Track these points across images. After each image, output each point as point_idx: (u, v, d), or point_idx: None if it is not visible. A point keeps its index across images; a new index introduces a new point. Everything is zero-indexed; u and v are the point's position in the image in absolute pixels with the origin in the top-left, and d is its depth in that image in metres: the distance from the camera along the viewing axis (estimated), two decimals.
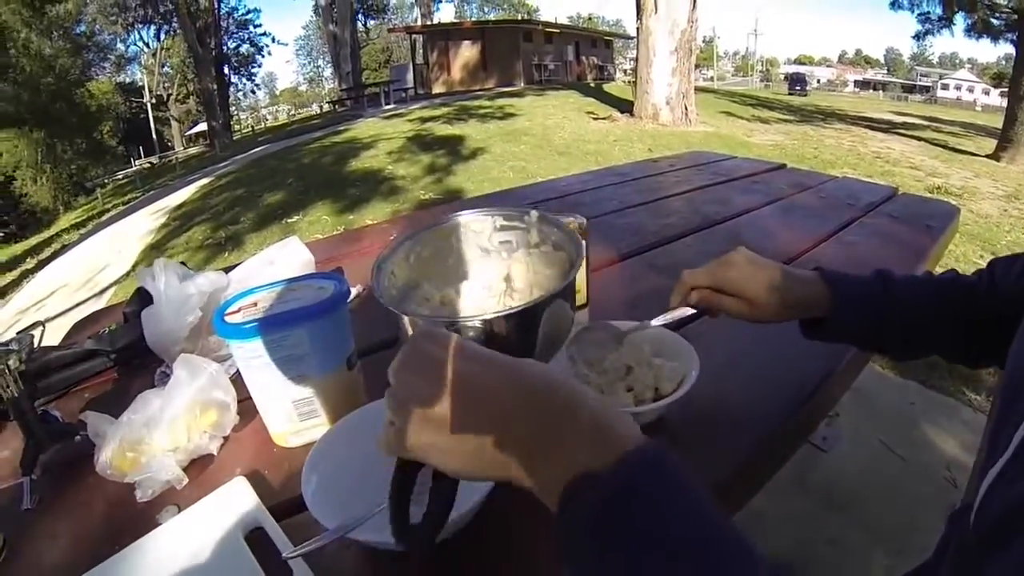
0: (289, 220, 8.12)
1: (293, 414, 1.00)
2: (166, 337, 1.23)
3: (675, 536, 0.44)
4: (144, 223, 10.79)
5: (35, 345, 1.18)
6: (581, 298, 1.24)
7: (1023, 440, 0.54)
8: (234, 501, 0.88)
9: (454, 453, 0.53)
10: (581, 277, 1.22)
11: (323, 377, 0.99)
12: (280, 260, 1.46)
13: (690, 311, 1.03)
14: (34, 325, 1.20)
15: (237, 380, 1.04)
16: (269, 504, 0.87)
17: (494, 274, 1.10)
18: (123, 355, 1.37)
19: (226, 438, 1.06)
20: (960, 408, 2.85)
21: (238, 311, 0.97)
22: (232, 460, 1.02)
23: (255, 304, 0.99)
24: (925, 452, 2.55)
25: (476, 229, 1.09)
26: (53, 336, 1.41)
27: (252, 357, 0.95)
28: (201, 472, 1.00)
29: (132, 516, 0.92)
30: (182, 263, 1.33)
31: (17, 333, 1.16)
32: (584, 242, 1.10)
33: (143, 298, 1.39)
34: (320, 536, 0.70)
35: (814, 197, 2.29)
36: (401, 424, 0.54)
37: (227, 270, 1.41)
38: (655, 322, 1.06)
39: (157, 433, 0.98)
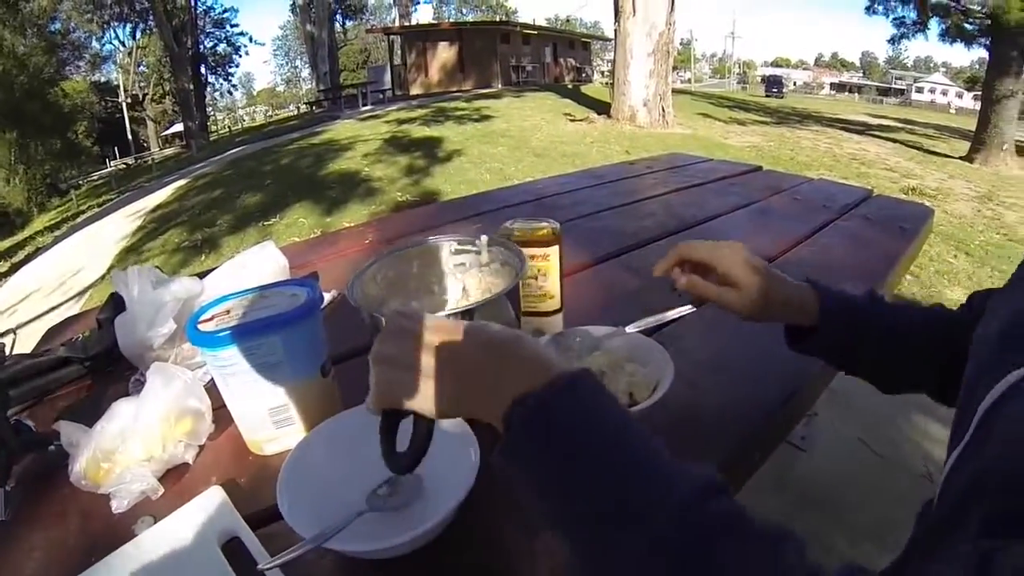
0: (267, 222, 8.07)
1: (268, 422, 0.99)
2: (140, 345, 1.22)
3: (595, 437, 0.55)
4: (120, 225, 10.71)
5: (6, 353, 1.16)
6: (555, 303, 1.25)
7: (979, 421, 0.57)
8: (210, 510, 0.87)
9: (426, 397, 0.63)
10: (554, 282, 1.22)
11: (297, 384, 0.99)
12: (254, 265, 1.45)
13: (667, 317, 1.04)
14: (4, 333, 1.19)
15: (212, 388, 1.03)
16: (245, 513, 0.86)
17: (452, 289, 1.22)
18: (97, 362, 1.35)
19: (201, 447, 1.05)
20: (936, 406, 2.84)
21: (211, 319, 0.97)
22: (208, 469, 1.01)
23: (228, 312, 0.99)
24: (902, 449, 2.58)
25: (434, 253, 1.21)
26: (26, 342, 1.39)
27: (226, 365, 0.94)
28: (177, 481, 0.99)
29: (108, 527, 0.91)
30: (157, 267, 1.33)
31: None
32: (558, 247, 1.17)
33: (117, 304, 1.38)
34: (296, 546, 0.70)
35: (790, 199, 2.31)
36: (381, 379, 0.66)
37: (201, 275, 1.39)
38: (630, 328, 1.06)
39: (131, 443, 0.97)
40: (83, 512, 0.95)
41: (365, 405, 0.69)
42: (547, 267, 1.21)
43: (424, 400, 0.64)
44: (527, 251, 1.14)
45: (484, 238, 1.17)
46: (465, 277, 1.20)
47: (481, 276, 1.18)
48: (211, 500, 0.89)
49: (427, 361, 0.64)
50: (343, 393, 1.07)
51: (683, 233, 1.92)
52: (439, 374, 0.63)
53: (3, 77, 23.45)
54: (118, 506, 0.92)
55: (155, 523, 0.88)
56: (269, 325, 0.94)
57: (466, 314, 0.93)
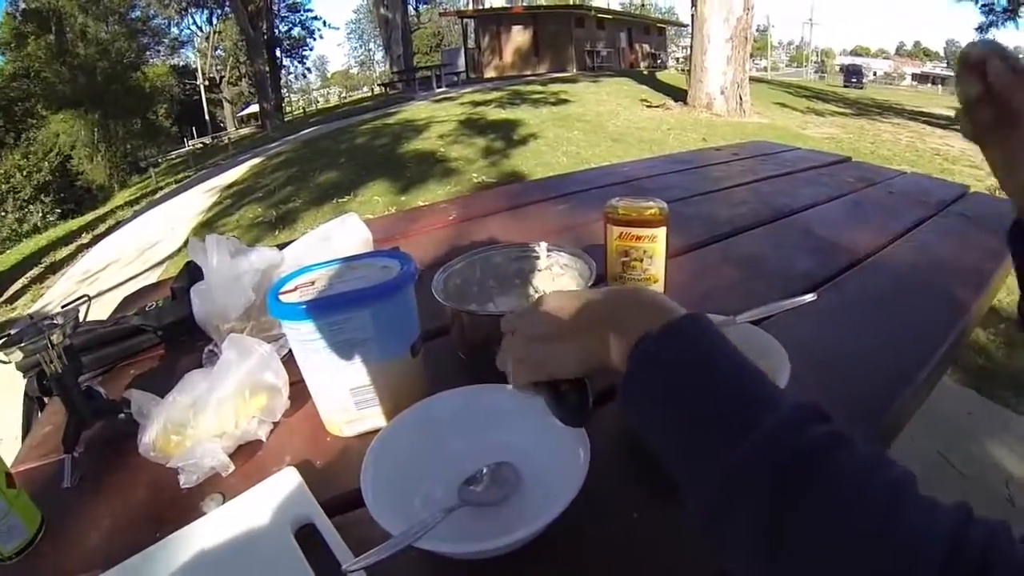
0: (341, 200, 8.10)
1: (349, 402, 0.93)
2: (215, 315, 1.18)
3: (709, 366, 0.57)
4: (196, 201, 10.90)
5: (80, 319, 1.13)
6: (658, 288, 1.17)
7: None
8: (283, 493, 0.82)
9: (567, 356, 0.69)
10: (659, 266, 1.16)
11: (385, 364, 0.92)
12: (337, 237, 1.39)
13: (781, 306, 0.95)
14: (79, 300, 1.15)
15: (289, 362, 0.98)
16: (320, 498, 0.80)
17: (521, 290, 1.24)
18: (170, 332, 1.33)
19: (275, 424, 0.99)
20: (1014, 419, 2.74)
21: (294, 290, 0.91)
22: (281, 448, 0.96)
23: (312, 283, 0.92)
24: (984, 467, 2.44)
25: (495, 261, 1.24)
26: (103, 310, 1.37)
27: (308, 340, 0.88)
28: (248, 459, 0.94)
29: (175, 502, 0.87)
30: (233, 236, 1.28)
31: (63, 307, 1.11)
32: (665, 229, 1.12)
33: (192, 274, 1.36)
34: (385, 545, 0.63)
35: (884, 193, 2.18)
36: (530, 357, 0.71)
37: (281, 247, 1.35)
38: (741, 318, 0.98)
39: (203, 416, 0.92)
40: (150, 484, 0.91)
41: (511, 385, 0.73)
42: (653, 249, 1.14)
43: (572, 363, 0.69)
44: (632, 231, 1.12)
45: (543, 244, 1.21)
46: (532, 279, 1.23)
47: (550, 277, 1.21)
48: (285, 482, 0.83)
49: (565, 327, 0.69)
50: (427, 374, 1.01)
51: (779, 223, 1.82)
52: (579, 334, 0.68)
53: (86, 63, 24.43)
54: (186, 481, 0.88)
55: (224, 501, 0.84)
56: (359, 298, 0.87)
57: None
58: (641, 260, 1.15)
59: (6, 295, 8.70)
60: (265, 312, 1.18)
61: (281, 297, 0.89)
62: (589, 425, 0.75)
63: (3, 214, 18.43)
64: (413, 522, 0.67)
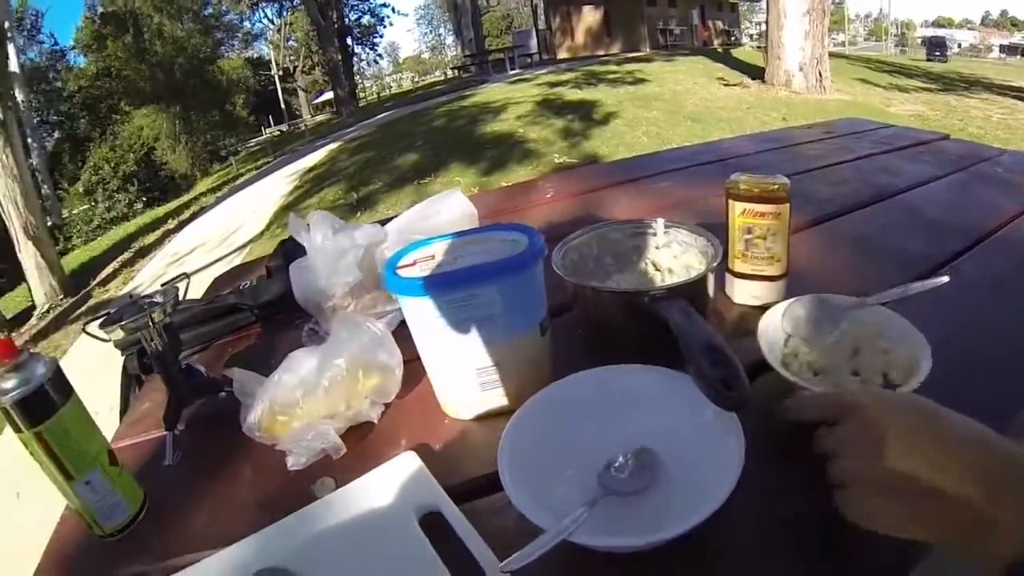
0: (422, 181, 8.16)
1: (473, 383, 0.87)
2: (318, 293, 1.14)
3: None
4: (277, 186, 11.13)
5: (180, 298, 1.10)
6: (780, 267, 1.09)
7: None
8: (404, 479, 0.77)
9: (914, 518, 0.54)
10: (783, 244, 1.08)
11: (512, 342, 0.86)
12: (440, 212, 1.34)
13: (913, 289, 0.87)
14: (179, 277, 1.13)
15: (400, 338, 0.93)
16: (442, 485, 0.75)
17: (642, 267, 1.16)
18: (266, 310, 1.31)
19: (387, 405, 0.94)
20: None
21: (413, 264, 0.86)
22: (395, 430, 0.91)
23: (432, 257, 0.88)
24: None
25: (612, 237, 1.16)
26: (192, 291, 1.36)
27: (430, 317, 0.82)
28: (359, 442, 0.89)
29: (282, 484, 0.84)
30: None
31: (162, 285, 1.08)
32: (789, 205, 1.04)
33: (288, 252, 1.34)
34: (540, 541, 0.58)
35: (990, 171, 2.04)
36: (861, 496, 0.58)
37: (383, 223, 1.30)
38: (873, 300, 0.90)
39: (313, 397, 0.88)
40: (255, 465, 0.89)
41: (844, 509, 0.60)
42: (777, 227, 1.06)
43: (902, 520, 0.56)
44: (756, 207, 1.05)
45: (661, 221, 1.14)
46: (650, 256, 1.16)
47: (670, 255, 1.14)
48: (405, 467, 0.78)
49: (921, 471, 0.54)
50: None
51: (884, 203, 1.70)
52: (930, 491, 0.53)
53: (164, 60, 25.25)
54: (294, 463, 0.84)
55: (336, 486, 0.79)
56: (487, 272, 0.81)
57: (678, 289, 0.93)
58: (764, 238, 1.07)
59: (99, 278, 8.98)
60: (368, 290, 1.13)
61: (399, 271, 0.84)
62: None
63: (94, 204, 19.07)
64: (554, 510, 0.61)
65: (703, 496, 0.61)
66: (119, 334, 1.01)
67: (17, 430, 0.73)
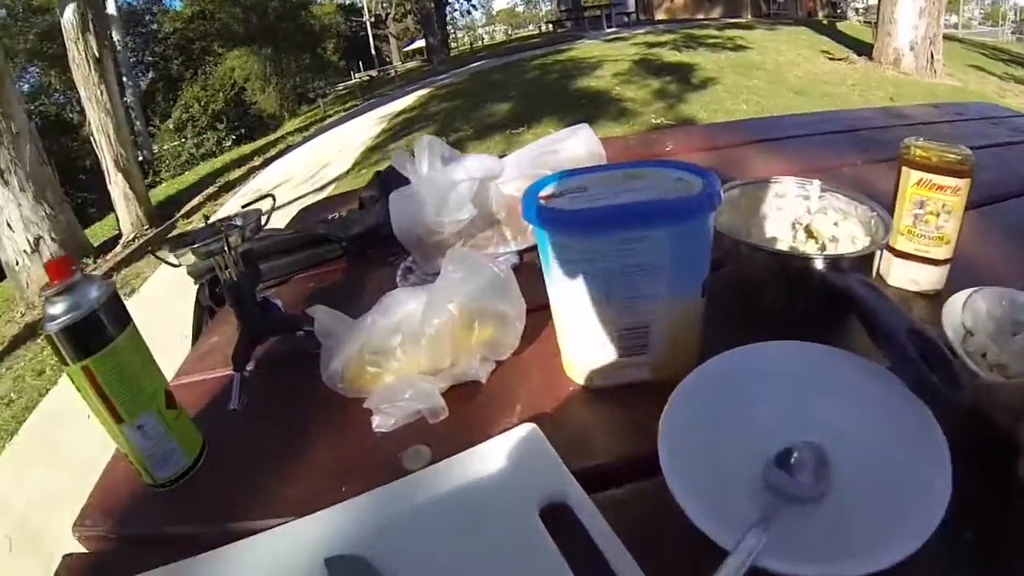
0: (514, 132, 8.07)
1: (614, 347, 0.73)
2: (424, 228, 1.02)
3: None
4: (365, 127, 11.14)
5: (262, 222, 0.99)
6: (947, 251, 0.94)
7: None
8: (522, 457, 0.64)
9: None
10: (955, 225, 0.93)
11: (673, 302, 0.71)
12: (566, 149, 1.19)
13: None
14: (263, 197, 1.01)
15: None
16: (570, 467, 0.62)
17: (784, 231, 1.01)
18: (356, 244, 1.22)
19: (499, 363, 0.82)
20: None
21: (560, 194, 0.71)
22: (509, 394, 0.78)
23: (585, 189, 0.72)
24: None
25: (760, 195, 1.02)
26: (276, 223, 1.28)
27: (580, 261, 0.68)
28: (463, 405, 0.76)
29: (364, 448, 0.73)
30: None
31: (243, 207, 0.97)
32: (970, 181, 0.90)
33: (385, 183, 1.24)
34: (731, 565, 0.45)
35: None
36: None
37: (499, 156, 1.18)
38: None
39: (414, 346, 0.76)
40: (333, 420, 0.78)
41: None
42: (954, 204, 0.91)
43: None
44: (936, 179, 0.91)
45: (817, 183, 0.99)
46: (803, 220, 1.00)
47: (827, 222, 0.98)
48: (525, 442, 0.66)
49: None
50: None
51: None
52: None
53: (259, 3, 25.69)
54: (381, 423, 0.73)
55: (431, 457, 0.67)
56: (660, 212, 0.66)
57: (851, 259, 0.79)
58: (937, 215, 0.93)
59: (183, 210, 9.16)
60: (480, 229, 1.00)
61: (545, 202, 0.69)
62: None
63: (183, 140, 19.52)
64: (718, 515, 0.50)
65: (889, 516, 0.49)
66: (191, 259, 0.91)
67: (64, 362, 0.64)
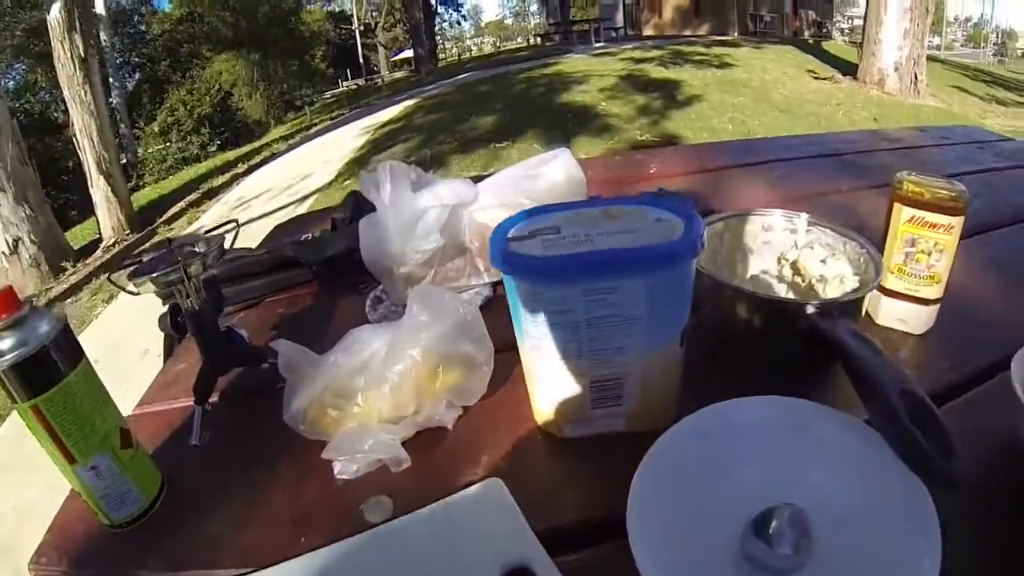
0: (498, 145, 8.07)
1: (585, 397, 0.69)
2: (390, 258, 0.98)
3: None
4: (350, 137, 11.14)
5: (226, 247, 0.95)
6: (938, 291, 0.92)
7: None
8: (485, 515, 0.61)
9: None
10: (947, 264, 0.90)
11: (648, 352, 0.67)
12: (547, 175, 1.14)
13: None
14: (228, 223, 0.97)
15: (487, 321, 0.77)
16: (535, 527, 0.59)
17: (768, 268, 0.98)
18: (327, 267, 1.18)
19: (467, 408, 0.78)
20: None
21: (531, 236, 0.66)
22: (475, 443, 0.74)
23: (557, 230, 0.66)
24: None
25: (745, 228, 0.99)
26: (252, 239, 1.23)
27: (549, 310, 0.64)
28: (427, 452, 0.73)
29: (325, 494, 0.70)
30: (410, 162, 1.09)
31: (206, 233, 0.94)
32: (963, 219, 0.87)
33: (359, 203, 1.22)
34: None
35: None
36: None
37: (475, 180, 1.14)
38: None
39: (376, 392, 0.72)
40: (294, 463, 0.75)
41: None
42: (947, 243, 0.89)
43: None
44: (928, 216, 0.88)
45: (804, 216, 0.96)
46: (788, 256, 0.97)
47: (813, 258, 0.94)
48: (488, 501, 0.62)
49: None
50: None
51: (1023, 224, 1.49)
52: None
53: (248, 7, 25.62)
54: (343, 470, 0.70)
55: (393, 509, 0.64)
56: (635, 261, 0.61)
57: (839, 304, 0.75)
58: (929, 253, 0.90)
59: (165, 216, 9.13)
60: (451, 257, 0.97)
61: (514, 245, 0.64)
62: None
63: (167, 144, 19.48)
64: None
65: None
66: (151, 288, 0.87)
67: (12, 400, 0.61)
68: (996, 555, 0.56)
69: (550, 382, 0.70)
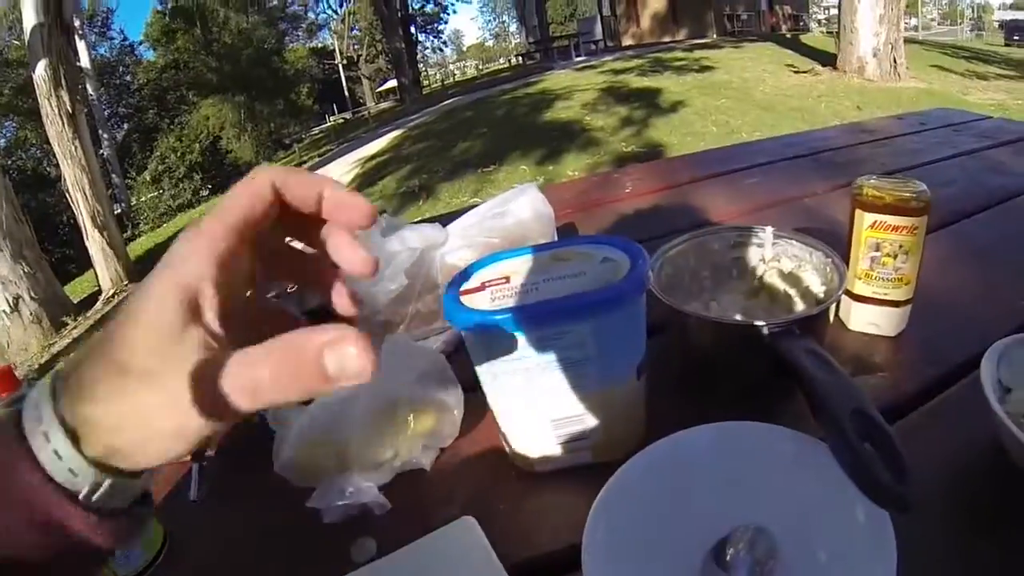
0: (486, 169, 8.13)
1: (548, 435, 0.71)
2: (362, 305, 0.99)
3: None
4: (339, 172, 11.16)
5: None
6: (908, 291, 0.93)
7: None
8: (457, 553, 0.63)
9: None
10: (915, 265, 0.91)
11: (603, 390, 0.69)
12: (513, 212, 1.16)
13: None
14: None
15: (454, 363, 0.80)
16: (506, 561, 0.61)
17: (735, 286, 0.99)
18: (311, 319, 1.15)
19: (442, 449, 0.80)
20: None
21: (481, 287, 0.68)
22: (450, 482, 0.77)
23: (507, 279, 0.69)
24: None
25: (712, 247, 0.99)
26: None
27: (503, 360, 0.66)
28: (407, 493, 0.75)
29: (316, 539, 0.72)
30: (382, 211, 1.10)
31: None
32: (926, 218, 0.89)
33: None
34: None
35: None
36: None
37: (444, 221, 1.15)
38: None
39: (355, 440, 0.74)
40: (288, 510, 0.75)
41: None
42: (911, 244, 0.90)
43: None
44: (889, 220, 0.89)
45: (769, 230, 0.96)
46: (756, 272, 0.99)
47: (779, 273, 0.97)
48: (462, 538, 0.64)
49: None
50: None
51: (1000, 207, 1.49)
52: None
53: (231, 51, 26.00)
54: (329, 517, 0.72)
55: (377, 549, 0.67)
56: (578, 307, 0.63)
57: (801, 322, 0.75)
58: (894, 256, 0.91)
59: None
60: (422, 296, 0.99)
61: (464, 299, 0.67)
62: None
63: (160, 192, 19.60)
64: None
65: None
66: None
67: None
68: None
69: (514, 423, 0.72)
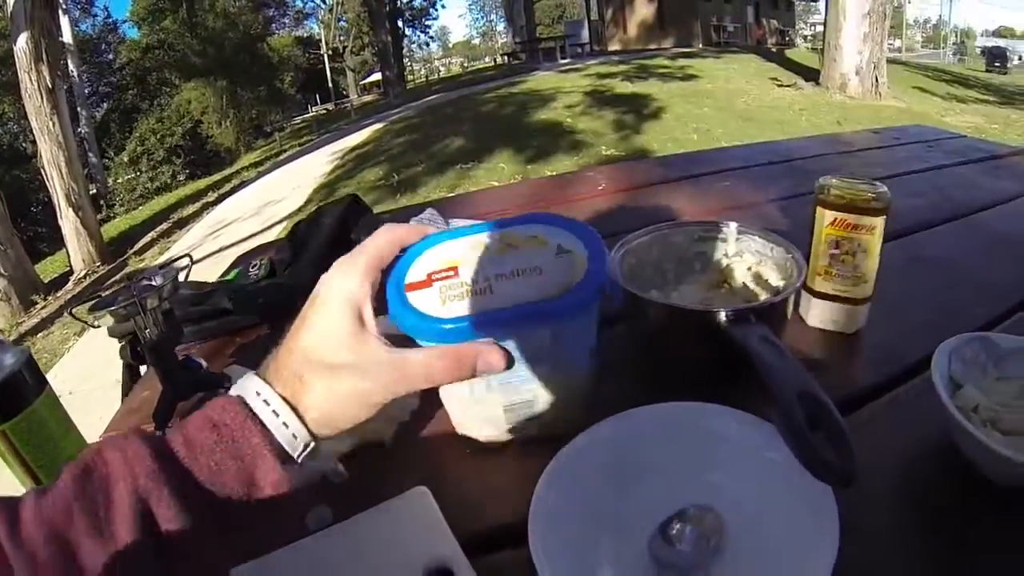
0: (465, 166, 8.16)
1: (500, 419, 0.73)
2: None
3: None
4: (319, 163, 11.17)
5: (181, 280, 0.98)
6: (867, 289, 0.95)
7: None
8: (412, 522, 0.64)
9: None
10: (873, 263, 0.93)
11: (557, 378, 0.70)
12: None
13: None
14: (180, 258, 1.01)
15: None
16: (458, 532, 0.62)
17: (698, 278, 1.01)
18: (265, 316, 1.22)
19: (403, 423, 0.81)
20: None
21: (427, 281, 0.61)
22: (407, 458, 0.78)
23: (454, 271, 0.61)
24: None
25: (676, 240, 1.01)
26: (221, 266, 1.27)
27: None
28: (365, 465, 0.76)
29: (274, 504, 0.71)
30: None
31: (161, 267, 0.97)
32: (885, 218, 0.91)
33: (296, 243, 1.29)
34: None
35: None
36: None
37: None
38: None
39: None
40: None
41: None
42: (870, 243, 0.92)
43: None
44: (850, 218, 0.91)
45: (733, 225, 0.99)
46: (718, 266, 1.00)
47: (742, 265, 0.99)
48: (415, 506, 0.65)
49: None
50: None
51: (963, 220, 1.51)
52: None
53: (216, 35, 25.72)
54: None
55: (332, 517, 0.67)
56: (538, 317, 0.60)
57: (758, 310, 0.76)
58: (853, 255, 0.93)
59: (136, 247, 9.07)
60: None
61: (411, 296, 0.60)
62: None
63: (137, 174, 19.31)
64: None
65: None
66: (110, 320, 0.90)
67: None
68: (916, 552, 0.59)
69: (465, 410, 0.74)
